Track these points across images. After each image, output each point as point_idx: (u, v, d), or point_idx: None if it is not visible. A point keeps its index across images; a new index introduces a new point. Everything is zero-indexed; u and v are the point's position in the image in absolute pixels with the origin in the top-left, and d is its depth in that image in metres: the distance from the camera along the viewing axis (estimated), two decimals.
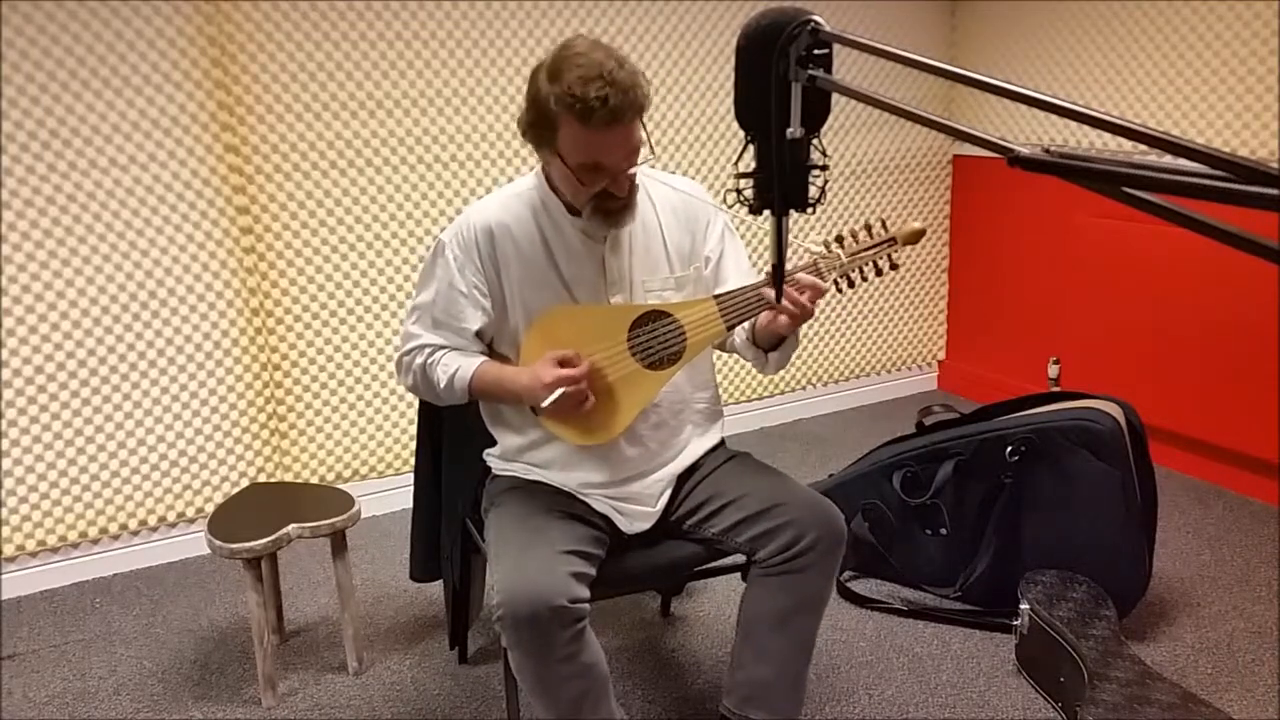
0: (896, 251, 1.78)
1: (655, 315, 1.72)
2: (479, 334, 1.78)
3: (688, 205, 1.84)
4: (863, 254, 1.75)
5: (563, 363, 1.64)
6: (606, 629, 2.44)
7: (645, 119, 1.60)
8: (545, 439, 1.80)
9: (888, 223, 1.78)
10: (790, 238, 3.71)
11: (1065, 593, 2.24)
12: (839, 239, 1.74)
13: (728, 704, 1.81)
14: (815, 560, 1.70)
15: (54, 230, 2.61)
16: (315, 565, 2.81)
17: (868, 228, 1.76)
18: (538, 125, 1.61)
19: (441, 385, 1.75)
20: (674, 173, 1.97)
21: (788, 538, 1.70)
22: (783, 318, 1.67)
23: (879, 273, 1.77)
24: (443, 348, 1.78)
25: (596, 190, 1.64)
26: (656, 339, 1.71)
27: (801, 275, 1.67)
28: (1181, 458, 3.21)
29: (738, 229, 1.91)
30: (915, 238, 1.78)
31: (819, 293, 1.66)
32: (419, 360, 1.78)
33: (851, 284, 1.76)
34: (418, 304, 1.80)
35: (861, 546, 2.57)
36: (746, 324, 1.78)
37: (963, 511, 2.44)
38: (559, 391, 1.62)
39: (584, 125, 1.54)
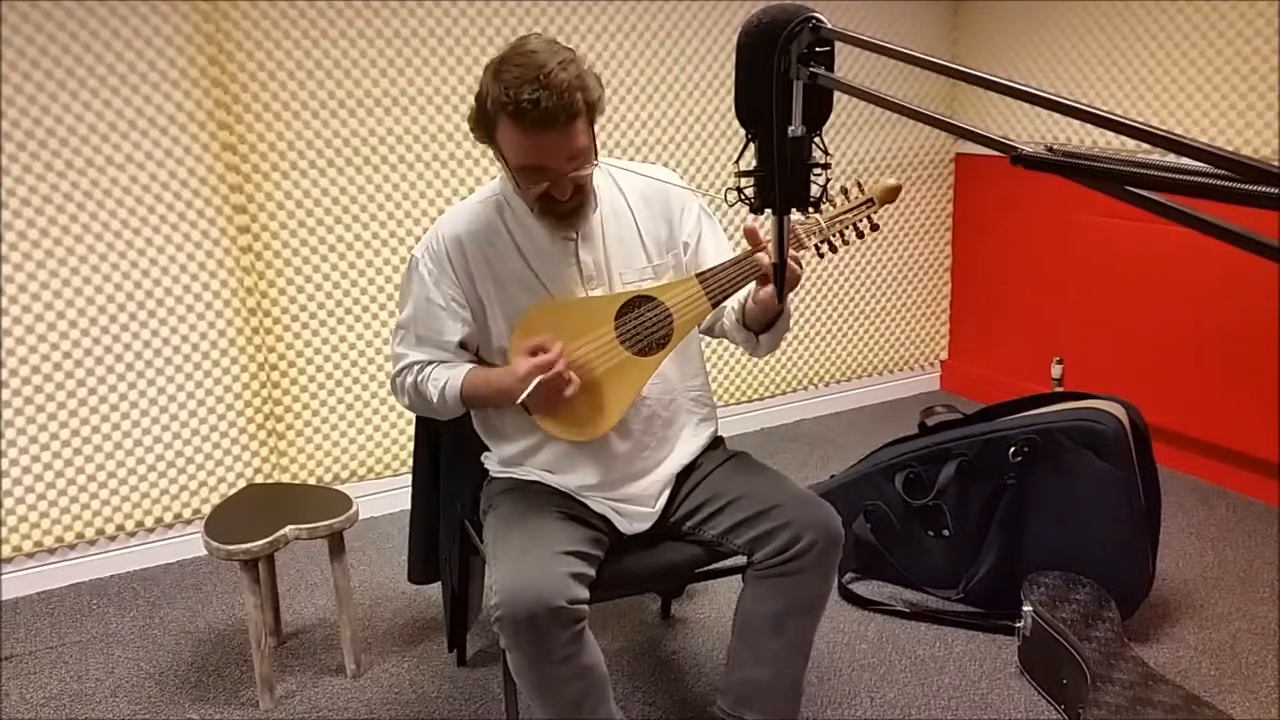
0: (875, 212, 1.77)
1: (639, 301, 1.71)
2: (463, 345, 1.77)
3: (660, 192, 1.82)
4: (842, 217, 1.74)
5: (534, 351, 1.62)
6: (606, 631, 2.43)
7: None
8: (539, 445, 1.79)
9: (863, 183, 1.77)
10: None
11: (1068, 594, 2.23)
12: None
13: (723, 704, 1.80)
14: (812, 562, 1.69)
15: (50, 229, 2.60)
16: (313, 567, 2.80)
17: (844, 190, 1.75)
18: (481, 123, 1.61)
19: (435, 400, 1.74)
20: (674, 171, 1.95)
21: (784, 539, 1.69)
22: (769, 286, 1.63)
23: (859, 235, 1.76)
24: (430, 363, 1.77)
25: (539, 192, 1.63)
26: (643, 325, 1.70)
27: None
28: (1185, 458, 3.20)
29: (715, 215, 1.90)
30: (892, 195, 1.76)
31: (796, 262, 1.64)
32: (410, 379, 1.78)
33: (834, 248, 1.75)
34: (400, 322, 1.80)
35: (863, 548, 2.55)
36: (735, 307, 1.77)
37: (965, 512, 2.43)
38: (535, 381, 1.59)
39: (517, 127, 1.54)
